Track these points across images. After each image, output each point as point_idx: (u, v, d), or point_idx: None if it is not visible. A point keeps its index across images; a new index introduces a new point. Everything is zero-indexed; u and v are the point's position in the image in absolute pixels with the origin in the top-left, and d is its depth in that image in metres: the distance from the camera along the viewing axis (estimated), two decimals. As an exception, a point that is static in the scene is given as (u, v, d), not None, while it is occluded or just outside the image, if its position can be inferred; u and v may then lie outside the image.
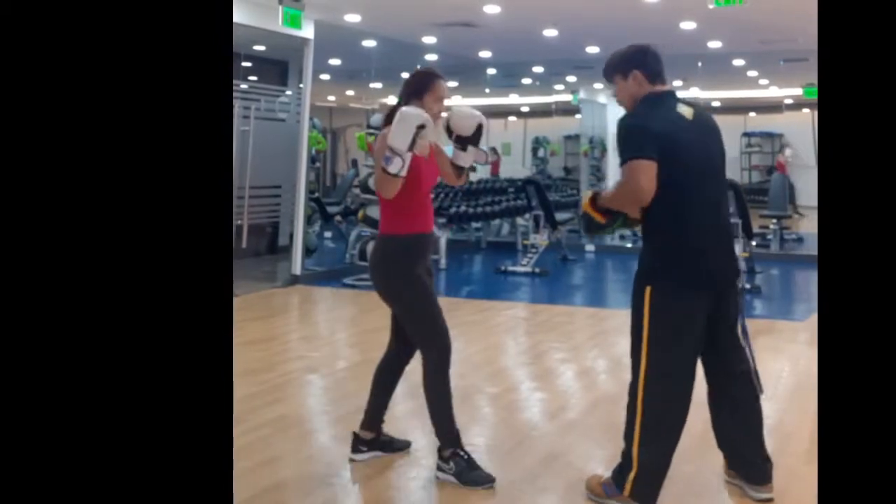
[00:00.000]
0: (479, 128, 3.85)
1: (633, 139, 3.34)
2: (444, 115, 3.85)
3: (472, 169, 4.12)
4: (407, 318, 3.88)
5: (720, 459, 3.93)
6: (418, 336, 3.86)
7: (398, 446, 4.15)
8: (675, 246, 3.36)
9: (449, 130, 3.85)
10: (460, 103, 14.33)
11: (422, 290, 3.81)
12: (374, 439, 4.07)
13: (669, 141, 3.30)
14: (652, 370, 3.36)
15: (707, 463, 3.88)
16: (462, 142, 3.86)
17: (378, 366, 4.12)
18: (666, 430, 3.40)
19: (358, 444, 4.06)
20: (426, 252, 3.89)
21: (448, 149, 3.99)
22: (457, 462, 3.79)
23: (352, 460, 4.03)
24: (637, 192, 3.29)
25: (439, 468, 3.84)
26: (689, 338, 3.37)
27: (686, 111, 3.44)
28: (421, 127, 3.55)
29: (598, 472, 3.82)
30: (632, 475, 3.40)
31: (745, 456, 3.59)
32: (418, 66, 12.66)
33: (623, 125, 3.42)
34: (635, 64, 3.52)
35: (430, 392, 3.82)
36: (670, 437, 3.40)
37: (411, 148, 3.55)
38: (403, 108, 3.63)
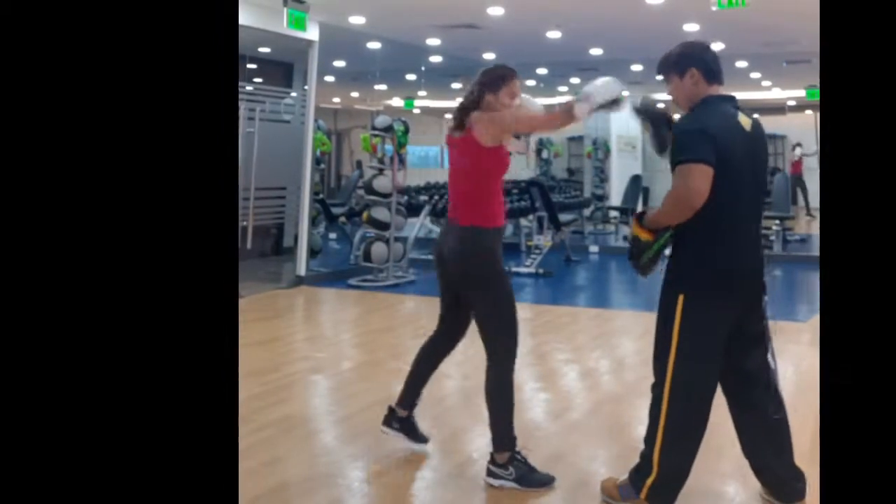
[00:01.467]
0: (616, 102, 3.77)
1: (690, 142, 3.21)
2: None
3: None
4: (485, 313, 3.79)
5: (721, 460, 3.94)
6: (495, 334, 3.77)
7: (420, 439, 4.15)
8: (712, 255, 3.27)
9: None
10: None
11: (509, 288, 3.78)
12: (405, 419, 4.09)
13: (724, 149, 3.19)
14: (678, 378, 3.31)
15: (708, 464, 3.88)
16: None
17: (422, 346, 4.08)
18: (688, 436, 3.36)
19: (392, 419, 4.10)
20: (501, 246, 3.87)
21: None
22: (517, 466, 3.73)
23: (382, 431, 4.11)
24: (691, 195, 3.16)
25: (493, 475, 3.74)
26: (717, 348, 3.32)
27: (745, 121, 3.32)
28: (617, 100, 3.56)
29: (602, 471, 3.83)
30: (651, 479, 3.37)
31: (775, 471, 3.48)
32: (422, 68, 12.75)
33: (681, 128, 3.31)
34: (693, 61, 3.37)
35: (496, 393, 3.76)
36: (692, 444, 3.37)
37: (600, 108, 3.55)
38: (607, 79, 3.58)
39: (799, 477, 3.47)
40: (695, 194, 3.16)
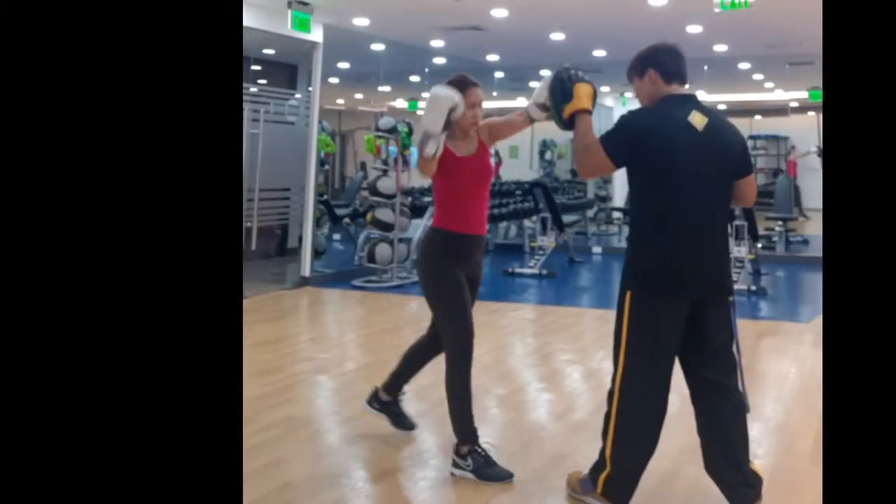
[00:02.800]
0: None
1: (617, 133, 3.36)
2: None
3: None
4: (434, 309, 4.00)
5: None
6: (442, 329, 3.96)
7: (405, 423, 4.36)
8: (657, 253, 3.31)
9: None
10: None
11: (451, 286, 3.89)
12: (388, 403, 4.33)
13: (660, 147, 3.27)
14: (627, 375, 3.37)
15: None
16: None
17: (415, 342, 4.30)
18: (639, 433, 3.39)
19: (374, 399, 4.38)
20: (467, 253, 3.96)
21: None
22: (474, 458, 3.84)
23: (364, 407, 4.40)
24: (581, 166, 3.47)
25: (455, 465, 3.88)
26: (666, 345, 3.35)
27: (698, 120, 3.33)
28: (452, 109, 3.73)
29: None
30: (604, 474, 3.42)
31: (722, 474, 3.44)
32: (426, 70, 12.77)
33: (623, 116, 3.41)
34: (651, 62, 3.45)
35: (449, 387, 3.90)
36: (644, 441, 3.40)
37: (446, 128, 3.73)
38: (434, 88, 3.78)
39: (749, 482, 3.41)
40: (583, 167, 3.48)
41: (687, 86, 3.49)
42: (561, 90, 3.60)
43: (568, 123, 3.58)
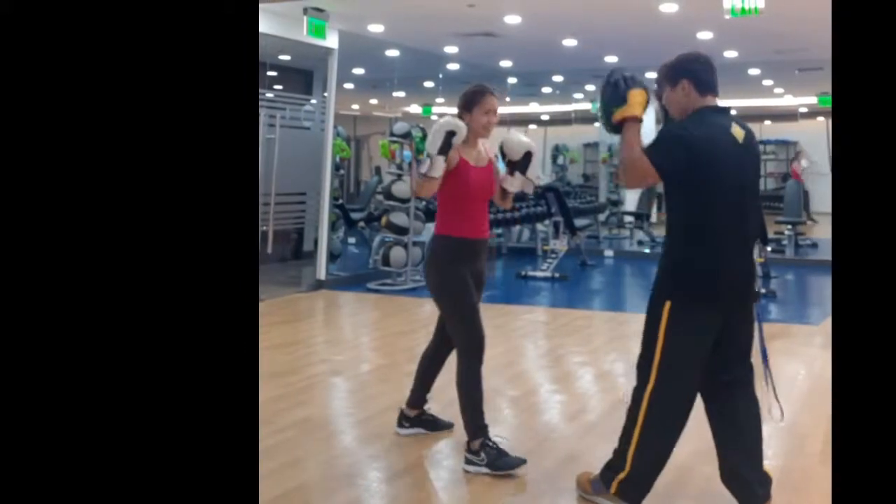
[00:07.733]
0: (528, 155, 4.16)
1: (665, 144, 3.31)
2: (501, 137, 4.16)
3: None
4: (445, 313, 4.11)
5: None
6: (454, 330, 4.06)
7: (441, 426, 4.47)
8: (695, 262, 3.31)
9: (502, 153, 4.18)
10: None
11: (460, 289, 4.01)
12: (417, 416, 4.42)
13: (705, 160, 3.24)
14: (660, 381, 3.36)
15: (715, 464, 3.91)
16: (511, 166, 4.17)
17: (423, 352, 4.42)
18: (664, 439, 3.42)
19: (402, 419, 4.46)
20: (472, 256, 4.10)
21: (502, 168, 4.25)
22: (487, 452, 3.92)
23: (396, 433, 4.43)
24: (625, 175, 3.37)
25: (468, 462, 3.95)
26: (700, 354, 3.36)
27: (738, 133, 3.34)
28: (451, 133, 3.88)
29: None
30: (622, 475, 3.43)
31: (736, 475, 3.46)
32: (440, 75, 12.81)
33: (666, 127, 3.38)
34: (683, 72, 3.40)
35: (461, 386, 4.00)
36: (667, 446, 3.43)
37: (443, 151, 3.89)
38: (439, 119, 3.93)
39: (763, 482, 3.46)
40: (629, 178, 3.38)
41: (718, 98, 3.45)
42: (614, 92, 3.45)
43: (615, 128, 3.44)
